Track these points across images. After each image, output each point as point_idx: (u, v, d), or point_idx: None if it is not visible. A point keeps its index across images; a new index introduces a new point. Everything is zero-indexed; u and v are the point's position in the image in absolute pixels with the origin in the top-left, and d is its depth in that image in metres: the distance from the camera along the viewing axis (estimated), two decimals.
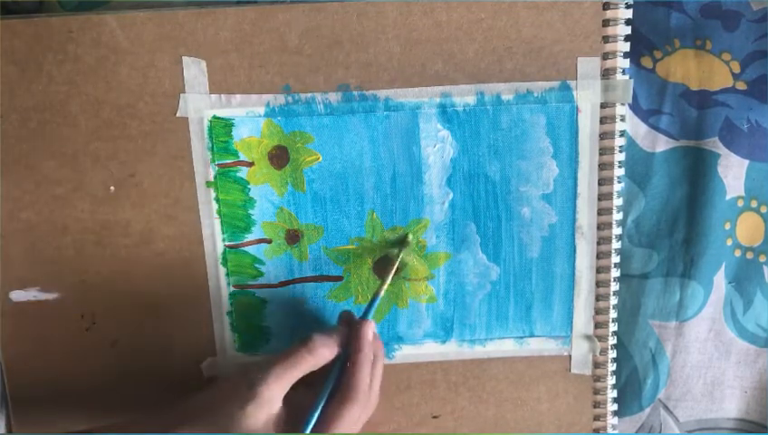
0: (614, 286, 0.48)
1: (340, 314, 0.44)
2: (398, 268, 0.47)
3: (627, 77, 0.45)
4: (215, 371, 0.48)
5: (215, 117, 0.44)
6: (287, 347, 0.40)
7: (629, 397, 0.51)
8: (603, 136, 0.46)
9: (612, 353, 0.49)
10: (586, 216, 0.47)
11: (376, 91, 0.45)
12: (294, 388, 0.39)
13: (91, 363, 0.47)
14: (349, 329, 0.41)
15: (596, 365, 0.50)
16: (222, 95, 0.44)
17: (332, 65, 0.44)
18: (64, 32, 0.42)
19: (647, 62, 0.47)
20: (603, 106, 0.46)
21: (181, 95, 0.44)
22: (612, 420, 0.51)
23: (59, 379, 0.47)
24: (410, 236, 0.47)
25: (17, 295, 0.46)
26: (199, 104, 0.44)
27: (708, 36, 0.46)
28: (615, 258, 0.48)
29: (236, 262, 0.47)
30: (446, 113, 0.45)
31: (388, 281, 0.45)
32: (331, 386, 0.39)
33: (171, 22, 0.43)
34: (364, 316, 0.42)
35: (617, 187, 0.47)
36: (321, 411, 0.38)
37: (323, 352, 0.39)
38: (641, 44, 0.46)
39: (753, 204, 0.49)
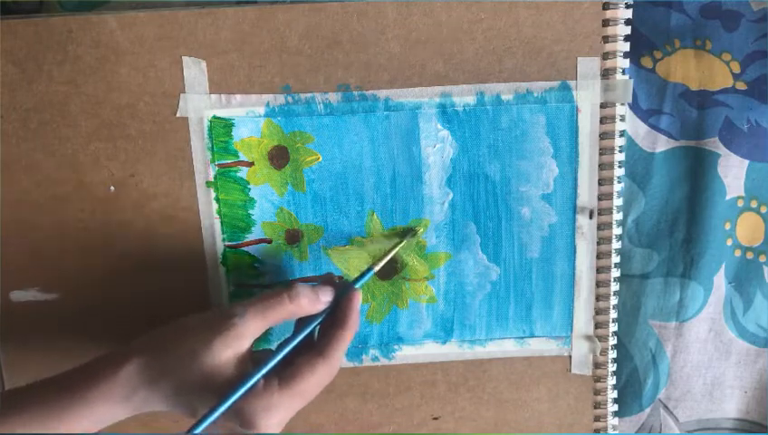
0: (614, 286, 0.48)
1: (325, 275, 0.43)
2: (397, 269, 0.48)
3: (627, 77, 0.45)
4: None
5: (215, 117, 0.44)
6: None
7: (630, 397, 0.51)
8: (603, 136, 0.46)
9: (612, 354, 0.49)
10: (586, 216, 0.47)
11: (376, 91, 0.45)
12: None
13: None
14: (335, 292, 0.40)
15: (596, 365, 0.50)
16: (222, 95, 0.44)
17: (332, 65, 0.44)
18: (64, 32, 0.43)
19: (647, 62, 0.47)
20: (603, 106, 0.46)
21: (181, 95, 0.44)
22: (613, 420, 0.51)
23: None
24: (421, 230, 0.47)
25: (17, 295, 0.46)
26: (199, 104, 0.44)
27: (708, 36, 0.46)
28: (615, 258, 0.48)
29: (236, 262, 0.47)
30: (446, 113, 0.45)
31: (385, 260, 0.44)
32: (299, 340, 0.38)
33: (171, 22, 0.43)
34: (354, 284, 0.41)
35: (617, 187, 0.47)
36: (292, 363, 0.37)
37: (304, 303, 0.38)
38: (641, 44, 0.46)
39: (753, 204, 0.49)
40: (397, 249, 0.45)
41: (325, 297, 0.39)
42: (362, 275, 0.42)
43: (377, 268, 0.43)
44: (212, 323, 0.36)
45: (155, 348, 0.37)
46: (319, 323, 0.40)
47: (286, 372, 0.37)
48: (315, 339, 0.40)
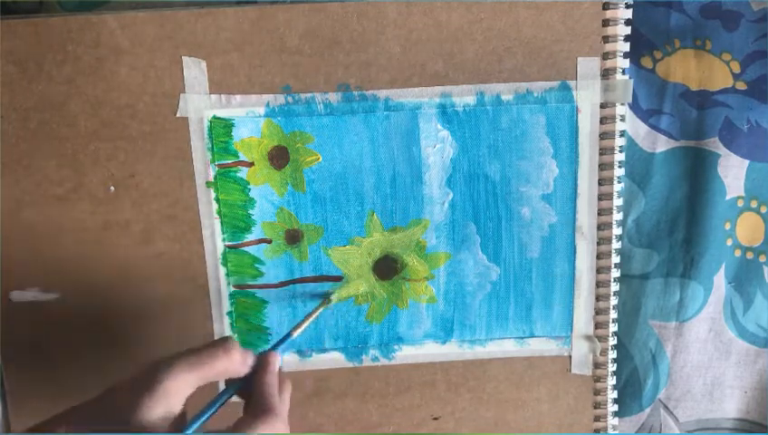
0: (614, 287, 0.48)
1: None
2: (397, 269, 0.48)
3: (627, 77, 0.45)
4: None
5: (215, 117, 0.44)
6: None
7: (630, 397, 0.51)
8: (603, 136, 0.46)
9: (612, 354, 0.49)
10: (586, 216, 0.47)
11: (376, 91, 0.45)
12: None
13: (90, 364, 0.47)
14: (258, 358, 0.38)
15: (596, 366, 0.50)
16: (222, 95, 0.44)
17: (332, 65, 0.44)
18: (64, 32, 0.43)
19: (647, 62, 0.47)
20: (603, 106, 0.46)
21: (181, 95, 0.44)
22: (613, 420, 0.51)
23: (58, 379, 0.47)
24: (333, 296, 0.47)
25: (17, 295, 0.46)
26: (199, 104, 0.44)
27: (708, 36, 0.46)
28: (615, 258, 0.48)
29: (236, 262, 0.47)
30: (446, 113, 0.45)
31: (302, 328, 0.43)
32: (223, 399, 0.36)
33: (171, 22, 0.43)
34: (273, 349, 0.39)
35: (617, 187, 0.47)
36: (236, 423, 0.35)
37: (237, 357, 0.35)
38: (641, 44, 0.46)
39: (753, 204, 0.49)
40: (317, 313, 0.45)
41: (250, 360, 0.37)
42: (281, 340, 0.41)
43: (296, 334, 0.42)
44: (138, 381, 0.33)
45: (81, 415, 0.33)
46: (237, 389, 0.37)
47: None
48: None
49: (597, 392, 0.50)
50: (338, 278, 0.47)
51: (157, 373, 0.33)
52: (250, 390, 0.37)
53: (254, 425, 0.34)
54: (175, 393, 0.33)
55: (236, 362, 0.36)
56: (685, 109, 0.47)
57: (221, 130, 0.45)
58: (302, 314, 0.48)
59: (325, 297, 0.47)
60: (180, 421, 0.34)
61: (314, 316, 0.45)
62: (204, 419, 0.35)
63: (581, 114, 0.46)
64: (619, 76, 0.45)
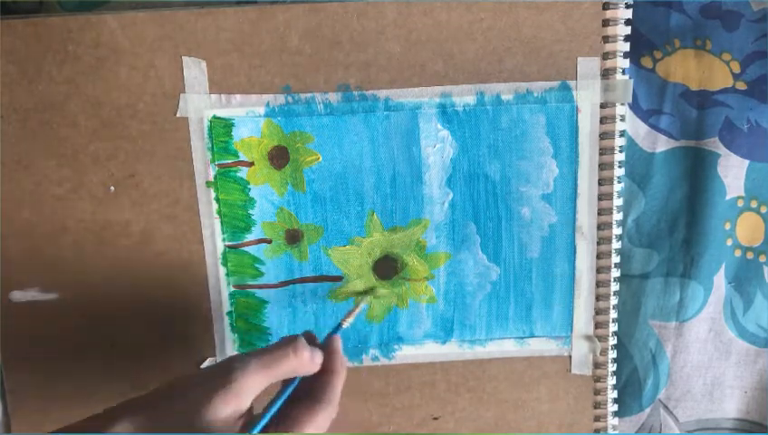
0: (614, 286, 0.48)
1: (305, 332, 0.40)
2: (397, 269, 0.48)
3: (627, 77, 0.45)
4: None
5: (215, 117, 0.44)
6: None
7: (630, 397, 0.51)
8: (603, 136, 0.46)
9: (612, 354, 0.49)
10: (586, 216, 0.47)
11: (376, 91, 0.45)
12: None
13: (90, 364, 0.47)
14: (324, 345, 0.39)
15: (596, 365, 0.50)
16: (222, 95, 0.44)
17: (332, 65, 0.44)
18: (64, 32, 0.43)
19: (647, 62, 0.47)
20: (603, 106, 0.46)
21: (181, 95, 0.44)
22: (612, 420, 0.51)
23: (58, 379, 0.47)
24: (380, 290, 0.47)
25: (17, 296, 0.46)
26: (199, 104, 0.44)
27: (708, 36, 0.46)
28: (615, 258, 0.48)
29: (236, 262, 0.47)
30: (446, 113, 0.45)
31: (351, 318, 0.43)
32: (290, 391, 0.37)
33: (171, 22, 0.43)
34: (334, 333, 0.40)
35: (617, 187, 0.47)
36: (288, 415, 0.36)
37: (306, 357, 0.36)
38: (641, 44, 0.46)
39: (753, 204, 0.49)
40: (360, 306, 0.45)
41: (319, 359, 0.37)
42: (334, 330, 0.41)
43: (346, 324, 0.42)
44: (211, 378, 0.34)
45: (147, 407, 0.34)
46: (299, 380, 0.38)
47: (286, 424, 0.35)
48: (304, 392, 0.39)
49: (597, 392, 0.50)
50: (338, 278, 0.47)
51: (231, 372, 0.34)
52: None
53: (315, 418, 0.36)
54: (246, 392, 0.34)
55: (305, 362, 0.37)
56: (685, 109, 0.47)
57: (221, 129, 0.45)
58: (302, 314, 0.48)
59: (370, 290, 0.47)
60: (247, 417, 0.35)
61: (361, 306, 0.45)
62: (272, 412, 0.36)
63: (581, 114, 0.46)
64: (619, 76, 0.45)
